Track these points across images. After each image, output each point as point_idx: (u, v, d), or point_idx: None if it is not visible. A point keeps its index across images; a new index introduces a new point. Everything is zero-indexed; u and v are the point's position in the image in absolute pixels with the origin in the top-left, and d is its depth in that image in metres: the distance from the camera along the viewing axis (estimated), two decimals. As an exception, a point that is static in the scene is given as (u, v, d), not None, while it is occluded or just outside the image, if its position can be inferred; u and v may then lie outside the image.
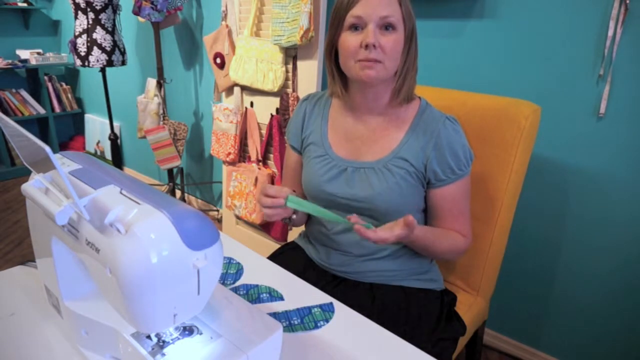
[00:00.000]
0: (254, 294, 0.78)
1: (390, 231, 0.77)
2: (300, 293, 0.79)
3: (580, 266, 1.38)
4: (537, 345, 1.54)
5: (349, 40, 0.85)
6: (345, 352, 0.65)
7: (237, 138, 2.03)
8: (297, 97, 1.75)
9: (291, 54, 1.74)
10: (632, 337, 1.32)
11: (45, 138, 3.51)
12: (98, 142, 3.46)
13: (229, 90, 2.04)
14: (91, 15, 2.33)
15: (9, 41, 3.35)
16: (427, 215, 0.98)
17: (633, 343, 1.33)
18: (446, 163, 0.89)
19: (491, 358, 1.59)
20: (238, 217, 2.17)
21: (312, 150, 0.99)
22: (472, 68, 1.47)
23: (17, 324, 0.66)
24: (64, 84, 3.53)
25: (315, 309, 0.74)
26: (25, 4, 3.28)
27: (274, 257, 1.08)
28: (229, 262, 0.88)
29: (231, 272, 0.84)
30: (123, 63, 2.51)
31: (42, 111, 3.36)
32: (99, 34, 2.35)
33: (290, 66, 1.76)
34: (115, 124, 3.16)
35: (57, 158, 0.53)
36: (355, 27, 0.84)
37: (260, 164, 1.98)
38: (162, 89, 2.44)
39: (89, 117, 3.55)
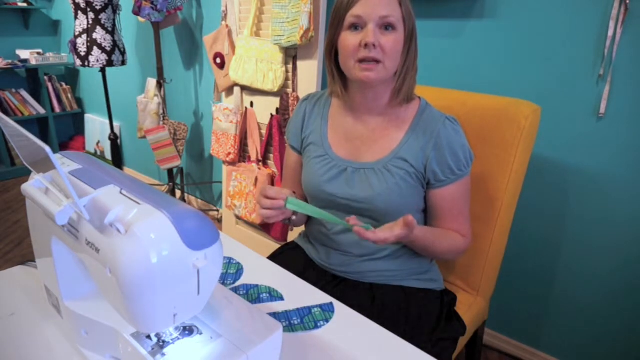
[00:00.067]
0: (254, 294, 0.78)
1: (390, 231, 0.78)
2: (300, 293, 0.79)
3: (580, 266, 1.38)
4: (537, 345, 1.54)
5: (348, 39, 0.85)
6: (345, 352, 0.65)
7: (237, 138, 2.03)
8: (297, 97, 1.75)
9: (291, 54, 1.74)
10: (632, 337, 1.32)
11: (45, 138, 3.51)
12: (98, 142, 3.46)
13: (229, 90, 2.04)
14: (91, 15, 2.33)
15: (9, 41, 3.35)
16: (427, 216, 0.98)
17: (633, 343, 1.33)
18: (446, 163, 0.89)
19: (491, 358, 1.59)
20: (238, 217, 2.17)
21: (312, 150, 0.99)
22: (472, 68, 1.47)
23: (17, 324, 0.66)
24: (64, 84, 3.53)
25: (315, 309, 0.74)
26: (25, 4, 3.28)
27: (274, 257, 1.08)
28: (229, 262, 0.88)
29: (231, 272, 0.84)
30: (123, 63, 2.51)
31: (42, 111, 3.36)
32: (99, 34, 2.35)
33: (290, 66, 1.76)
34: (115, 124, 3.16)
35: (57, 158, 0.53)
36: (355, 27, 0.84)
37: (260, 164, 1.98)
38: (162, 89, 2.44)
39: (89, 117, 3.55)
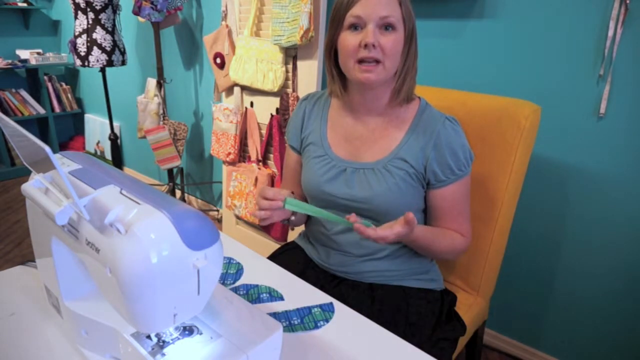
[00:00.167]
0: (254, 294, 0.78)
1: (390, 229, 0.77)
2: (300, 293, 0.79)
3: (580, 266, 1.38)
4: (537, 345, 1.54)
5: (348, 39, 0.85)
6: (345, 352, 0.65)
7: (237, 138, 2.03)
8: (297, 97, 1.75)
9: (291, 54, 1.74)
10: (632, 337, 1.32)
11: (45, 138, 3.51)
12: (98, 142, 3.46)
13: (229, 90, 2.04)
14: (91, 15, 2.33)
15: (9, 41, 3.35)
16: (427, 216, 0.98)
17: (633, 343, 1.33)
18: (446, 163, 0.89)
19: (491, 358, 1.59)
20: (238, 217, 2.17)
21: (312, 150, 0.99)
22: (472, 68, 1.47)
23: (17, 324, 0.66)
24: (64, 84, 3.53)
25: (315, 309, 0.74)
26: (25, 4, 3.28)
27: (274, 257, 1.08)
28: (229, 262, 0.88)
29: (231, 272, 0.84)
30: (123, 63, 2.51)
31: (42, 111, 3.36)
32: (99, 34, 2.35)
33: (290, 66, 1.76)
34: (115, 124, 3.16)
35: (57, 158, 0.53)
36: (354, 27, 0.84)
37: (260, 164, 1.98)
38: (162, 89, 2.44)
39: (89, 117, 3.54)
